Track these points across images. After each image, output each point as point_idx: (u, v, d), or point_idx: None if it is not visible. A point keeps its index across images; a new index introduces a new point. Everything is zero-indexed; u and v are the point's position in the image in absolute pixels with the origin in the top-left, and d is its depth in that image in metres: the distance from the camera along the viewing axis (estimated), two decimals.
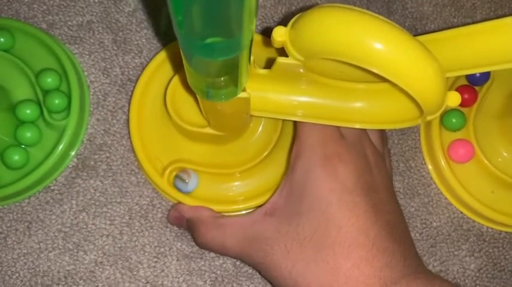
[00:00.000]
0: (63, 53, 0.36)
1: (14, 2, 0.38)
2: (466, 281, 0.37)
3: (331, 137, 0.30)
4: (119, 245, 0.35)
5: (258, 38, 0.35)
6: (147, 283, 0.34)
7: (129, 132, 0.35)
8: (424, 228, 0.37)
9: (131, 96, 0.36)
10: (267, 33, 0.38)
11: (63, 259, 0.34)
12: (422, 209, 0.37)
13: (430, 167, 0.38)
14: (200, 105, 0.30)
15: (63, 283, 0.34)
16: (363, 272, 0.27)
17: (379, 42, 0.22)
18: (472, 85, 0.38)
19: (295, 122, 0.33)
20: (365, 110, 0.29)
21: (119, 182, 0.36)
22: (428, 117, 0.27)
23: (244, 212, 0.34)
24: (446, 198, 0.38)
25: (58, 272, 0.34)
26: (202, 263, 0.35)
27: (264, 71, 0.28)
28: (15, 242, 0.35)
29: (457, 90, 0.37)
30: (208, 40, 0.19)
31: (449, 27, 0.26)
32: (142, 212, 0.35)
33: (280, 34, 0.25)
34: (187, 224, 0.34)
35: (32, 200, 0.35)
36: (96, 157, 0.36)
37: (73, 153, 0.36)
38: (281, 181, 0.31)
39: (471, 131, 0.37)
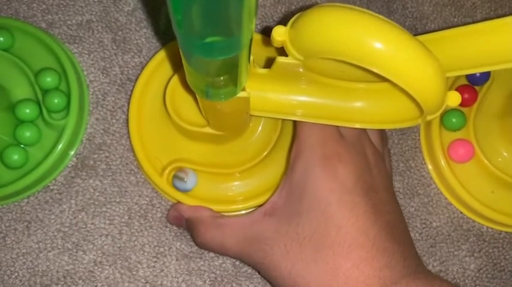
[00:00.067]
0: (63, 53, 0.36)
1: (14, 1, 0.38)
2: (466, 281, 0.36)
3: (331, 137, 0.29)
4: (118, 245, 0.35)
5: (257, 37, 0.35)
6: (146, 282, 0.34)
7: (128, 132, 0.35)
8: (423, 228, 0.37)
9: (130, 95, 0.36)
10: (266, 32, 0.38)
11: (62, 258, 0.34)
12: (422, 209, 0.37)
13: (430, 167, 0.38)
14: (200, 105, 0.30)
15: (62, 282, 0.34)
16: (362, 272, 0.26)
17: (379, 42, 0.22)
18: (472, 85, 0.38)
19: (294, 122, 0.33)
20: (365, 109, 0.29)
21: (118, 181, 0.36)
22: (429, 117, 0.27)
23: (243, 212, 0.34)
24: (446, 198, 0.38)
25: (57, 272, 0.34)
26: (202, 263, 0.35)
27: (264, 71, 0.28)
28: (14, 242, 0.34)
29: (457, 90, 0.37)
30: (208, 39, 0.19)
31: (449, 27, 0.26)
32: (142, 212, 0.35)
33: (279, 33, 0.25)
34: (186, 224, 0.33)
35: (31, 200, 0.35)
36: (95, 156, 0.36)
37: (72, 152, 0.36)
38: (281, 181, 0.31)
39: (471, 131, 0.37)
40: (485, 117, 0.37)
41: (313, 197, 0.28)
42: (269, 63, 0.28)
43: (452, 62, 0.25)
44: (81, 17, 0.38)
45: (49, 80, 0.35)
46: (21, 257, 0.34)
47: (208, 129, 0.33)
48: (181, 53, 0.22)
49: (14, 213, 0.35)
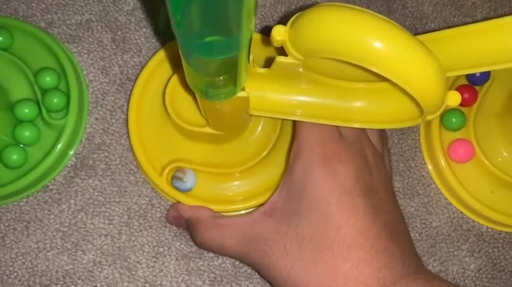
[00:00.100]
0: (62, 52, 0.36)
1: (13, 0, 0.38)
2: (466, 281, 0.36)
3: (330, 137, 0.29)
4: (118, 245, 0.35)
5: (257, 37, 0.35)
6: (145, 282, 0.34)
7: (128, 132, 0.35)
8: (423, 228, 0.37)
9: (130, 95, 0.35)
10: (266, 32, 0.38)
11: (61, 258, 0.34)
12: (422, 209, 0.37)
13: (429, 167, 0.38)
14: (199, 105, 0.30)
15: (62, 282, 0.34)
16: (362, 272, 0.26)
17: (379, 41, 0.22)
18: (472, 85, 0.38)
19: (294, 122, 0.33)
20: (365, 109, 0.29)
21: (117, 181, 0.35)
22: (428, 117, 0.27)
23: (243, 212, 0.34)
24: (446, 198, 0.38)
25: (56, 271, 0.34)
26: (201, 263, 0.35)
27: (263, 70, 0.28)
28: (13, 242, 0.34)
29: (457, 89, 0.37)
30: (207, 39, 0.19)
31: (449, 27, 0.26)
32: (141, 212, 0.35)
33: (279, 33, 0.25)
34: (186, 224, 0.33)
35: (30, 200, 0.35)
36: (94, 156, 0.36)
37: (72, 152, 0.36)
38: (280, 181, 0.31)
39: (471, 131, 0.37)
40: (485, 117, 0.37)
41: (312, 198, 0.28)
42: (269, 63, 0.28)
43: (452, 61, 0.25)
44: (80, 16, 0.38)
45: (48, 79, 0.35)
46: (20, 257, 0.34)
47: (207, 129, 0.33)
48: (180, 53, 0.22)
49: (13, 213, 0.35)
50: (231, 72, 0.23)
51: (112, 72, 0.37)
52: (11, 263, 0.34)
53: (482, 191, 0.37)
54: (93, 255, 0.34)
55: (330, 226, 0.27)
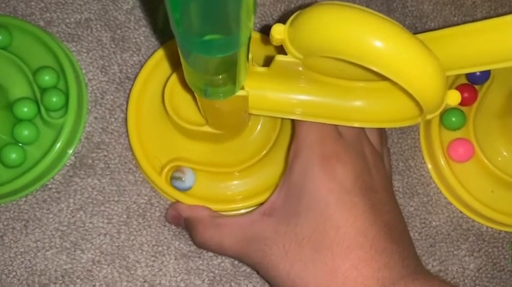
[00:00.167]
0: (61, 51, 0.35)
1: None
2: (466, 281, 0.36)
3: (329, 136, 0.29)
4: (117, 244, 0.35)
5: (256, 35, 0.35)
6: (144, 282, 0.34)
7: (127, 131, 0.35)
8: (423, 228, 0.37)
9: (129, 94, 0.35)
10: (266, 31, 0.37)
11: (60, 257, 0.34)
12: (422, 209, 0.37)
13: (429, 166, 0.38)
14: (198, 104, 0.30)
15: (61, 282, 0.34)
16: (361, 273, 0.26)
17: (379, 40, 0.22)
18: (472, 84, 0.38)
19: (293, 121, 0.33)
20: (364, 108, 0.29)
21: (116, 180, 0.35)
22: (428, 116, 0.27)
23: (243, 211, 0.34)
24: (445, 197, 0.38)
25: (55, 271, 0.34)
26: (201, 262, 0.35)
27: (263, 69, 0.28)
28: (12, 241, 0.34)
29: (457, 89, 0.37)
30: (206, 37, 0.19)
31: (449, 26, 0.26)
32: (140, 211, 0.35)
33: (279, 32, 0.25)
34: (185, 223, 0.33)
35: (29, 199, 0.35)
36: (93, 155, 0.36)
37: (71, 151, 0.36)
38: (279, 181, 0.31)
39: (471, 130, 0.37)
40: (485, 117, 0.37)
41: (311, 198, 0.28)
42: (268, 62, 0.28)
43: (452, 60, 0.25)
44: (79, 15, 0.38)
45: (47, 78, 0.35)
46: (19, 256, 0.34)
47: (207, 128, 0.33)
48: (179, 52, 0.22)
49: (12, 212, 0.35)
50: (230, 71, 0.23)
51: (111, 71, 0.37)
52: (10, 263, 0.34)
53: (482, 191, 0.37)
54: (92, 254, 0.34)
55: (329, 225, 0.27)
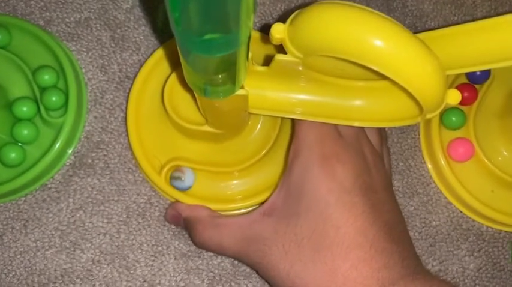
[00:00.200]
0: (61, 50, 0.35)
1: None
2: (466, 280, 0.36)
3: (329, 136, 0.29)
4: (116, 244, 0.35)
5: (256, 35, 0.35)
6: (144, 281, 0.34)
7: (126, 130, 0.35)
8: (423, 227, 0.37)
9: (129, 93, 0.35)
10: (266, 30, 0.37)
11: (59, 257, 0.34)
12: (422, 209, 0.37)
13: (429, 166, 0.38)
14: (198, 103, 0.30)
15: (60, 281, 0.34)
16: (361, 273, 0.26)
17: (379, 39, 0.22)
18: (472, 83, 0.38)
19: (293, 120, 0.33)
20: (364, 108, 0.29)
21: (116, 180, 0.35)
22: (428, 116, 0.26)
23: (242, 210, 0.34)
24: (445, 197, 0.38)
25: (55, 270, 0.34)
26: (200, 262, 0.35)
27: (262, 68, 0.28)
28: (11, 241, 0.34)
29: (457, 88, 0.37)
30: (206, 36, 0.19)
31: (449, 25, 0.26)
32: (140, 211, 0.35)
33: (278, 31, 0.25)
34: (184, 223, 0.33)
35: (29, 198, 0.35)
36: (93, 154, 0.36)
37: (70, 151, 0.36)
38: (279, 180, 0.31)
39: (471, 130, 0.37)
40: (485, 116, 0.37)
41: (311, 198, 0.28)
42: (268, 61, 0.28)
43: (452, 60, 0.25)
44: (79, 14, 0.38)
45: (47, 78, 0.35)
46: (18, 256, 0.34)
47: (206, 128, 0.33)
48: (179, 51, 0.22)
49: (11, 211, 0.35)
50: (229, 70, 0.23)
51: (111, 70, 0.37)
52: (9, 262, 0.34)
53: (482, 190, 0.37)
54: (92, 254, 0.34)
55: (329, 225, 0.27)
